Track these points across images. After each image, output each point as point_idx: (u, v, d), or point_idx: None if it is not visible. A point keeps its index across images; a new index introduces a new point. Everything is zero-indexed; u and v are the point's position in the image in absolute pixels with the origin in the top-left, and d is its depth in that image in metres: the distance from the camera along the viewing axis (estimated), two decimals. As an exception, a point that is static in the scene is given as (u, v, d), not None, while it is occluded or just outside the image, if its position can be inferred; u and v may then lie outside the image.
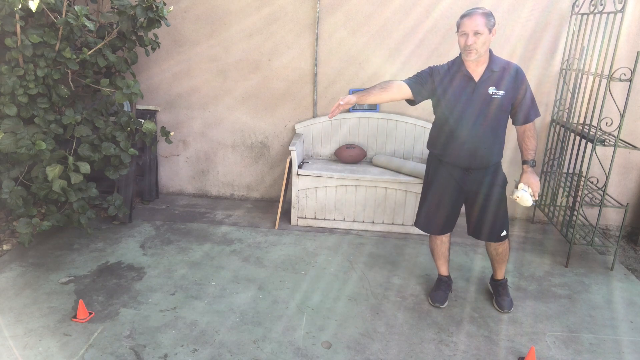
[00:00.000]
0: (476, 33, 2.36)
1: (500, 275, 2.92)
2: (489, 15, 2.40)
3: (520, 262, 3.44)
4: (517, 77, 2.48)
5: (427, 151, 3.99)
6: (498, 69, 2.48)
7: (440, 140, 2.64)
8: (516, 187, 2.54)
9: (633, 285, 3.20)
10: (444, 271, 2.97)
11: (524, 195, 2.48)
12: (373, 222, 3.83)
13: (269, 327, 2.61)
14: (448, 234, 2.88)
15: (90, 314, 2.64)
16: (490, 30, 2.40)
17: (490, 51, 2.52)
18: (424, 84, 2.58)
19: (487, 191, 2.62)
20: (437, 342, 2.53)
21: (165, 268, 3.17)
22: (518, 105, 2.52)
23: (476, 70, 2.49)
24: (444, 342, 2.54)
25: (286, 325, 2.62)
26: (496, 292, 2.92)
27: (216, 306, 2.78)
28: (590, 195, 3.50)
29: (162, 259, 3.29)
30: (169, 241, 3.56)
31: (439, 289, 2.92)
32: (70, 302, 2.76)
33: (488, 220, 2.67)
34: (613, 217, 4.11)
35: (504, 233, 2.71)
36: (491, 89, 2.47)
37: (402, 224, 3.80)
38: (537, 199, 2.54)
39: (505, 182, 2.68)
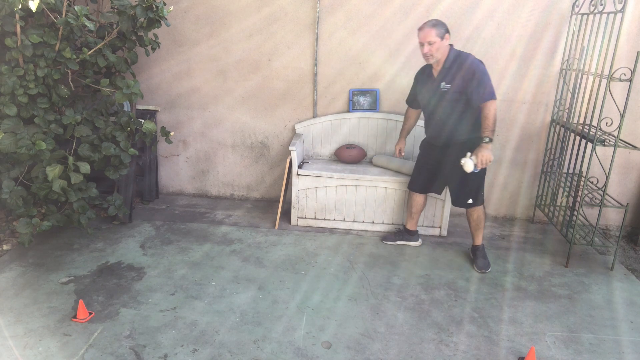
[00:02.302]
0: (430, 43, 2.92)
1: (476, 242, 3.38)
2: (439, 25, 2.93)
3: (521, 262, 3.44)
4: (462, 69, 2.97)
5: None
6: (449, 65, 3.02)
7: (425, 124, 3.36)
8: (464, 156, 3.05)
9: (633, 285, 3.20)
10: (408, 225, 3.59)
11: (467, 162, 2.98)
12: (373, 222, 3.83)
13: (269, 327, 2.61)
14: (421, 196, 3.49)
15: (90, 314, 2.64)
16: (442, 38, 2.93)
17: (451, 47, 3.03)
18: (412, 93, 3.41)
19: (455, 163, 3.12)
20: (437, 342, 2.53)
21: (165, 268, 3.17)
22: (468, 91, 2.99)
23: (436, 68, 3.10)
24: (444, 342, 2.54)
25: (286, 325, 2.62)
26: (474, 255, 3.37)
27: (216, 306, 2.78)
28: (590, 195, 3.50)
29: (162, 259, 3.29)
30: (169, 241, 3.56)
31: (394, 234, 3.65)
32: (70, 302, 2.76)
33: (456, 188, 3.26)
34: (613, 217, 4.11)
35: (470, 201, 3.22)
36: (442, 84, 3.06)
37: (402, 224, 3.79)
38: (480, 167, 3.01)
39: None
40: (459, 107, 3.05)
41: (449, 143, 3.19)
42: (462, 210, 4.23)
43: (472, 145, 3.06)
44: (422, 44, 2.96)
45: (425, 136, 3.40)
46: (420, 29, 2.97)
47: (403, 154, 3.59)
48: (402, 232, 3.61)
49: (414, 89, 3.35)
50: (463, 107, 3.04)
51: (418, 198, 3.50)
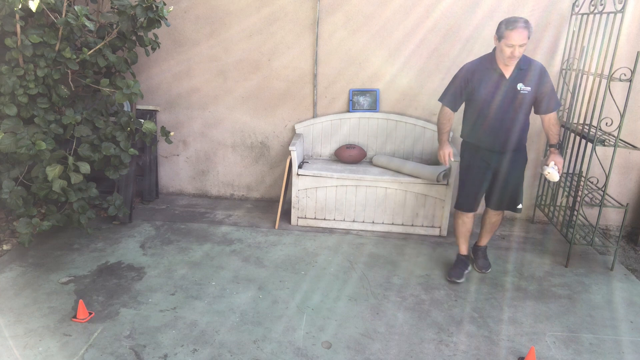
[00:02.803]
0: (521, 45, 2.71)
1: (482, 243, 3.34)
2: (530, 26, 2.72)
3: (520, 262, 3.44)
4: (542, 75, 2.85)
5: (427, 151, 4.02)
6: (525, 67, 2.84)
7: (475, 129, 3.01)
8: (546, 164, 2.97)
9: (633, 285, 3.20)
10: (463, 250, 3.27)
11: (553, 171, 2.92)
12: (373, 222, 3.83)
13: (269, 327, 2.61)
14: (472, 215, 3.20)
15: (90, 314, 2.64)
16: (529, 38, 2.75)
17: None
18: (461, 94, 2.99)
19: (512, 169, 3.02)
20: (437, 342, 2.54)
21: (165, 268, 3.17)
22: (541, 98, 2.89)
23: (507, 68, 2.85)
24: (444, 342, 2.54)
25: (286, 325, 2.62)
26: (475, 255, 3.33)
27: (216, 306, 2.78)
28: (590, 195, 3.50)
29: (162, 259, 3.29)
30: (169, 241, 3.56)
31: (457, 267, 3.20)
32: (70, 302, 2.76)
33: (510, 193, 3.08)
34: (613, 217, 4.11)
35: (520, 206, 3.13)
36: (519, 85, 2.84)
37: (402, 224, 3.79)
38: (560, 174, 2.97)
39: (526, 162, 3.10)
40: (528, 110, 2.92)
41: (506, 149, 2.95)
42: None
43: (521, 152, 3.02)
44: (512, 46, 2.68)
45: (464, 144, 3.13)
46: (512, 29, 2.66)
47: (452, 158, 3.11)
48: (463, 261, 3.23)
49: (468, 87, 2.93)
50: (529, 111, 2.93)
51: (469, 218, 3.18)
